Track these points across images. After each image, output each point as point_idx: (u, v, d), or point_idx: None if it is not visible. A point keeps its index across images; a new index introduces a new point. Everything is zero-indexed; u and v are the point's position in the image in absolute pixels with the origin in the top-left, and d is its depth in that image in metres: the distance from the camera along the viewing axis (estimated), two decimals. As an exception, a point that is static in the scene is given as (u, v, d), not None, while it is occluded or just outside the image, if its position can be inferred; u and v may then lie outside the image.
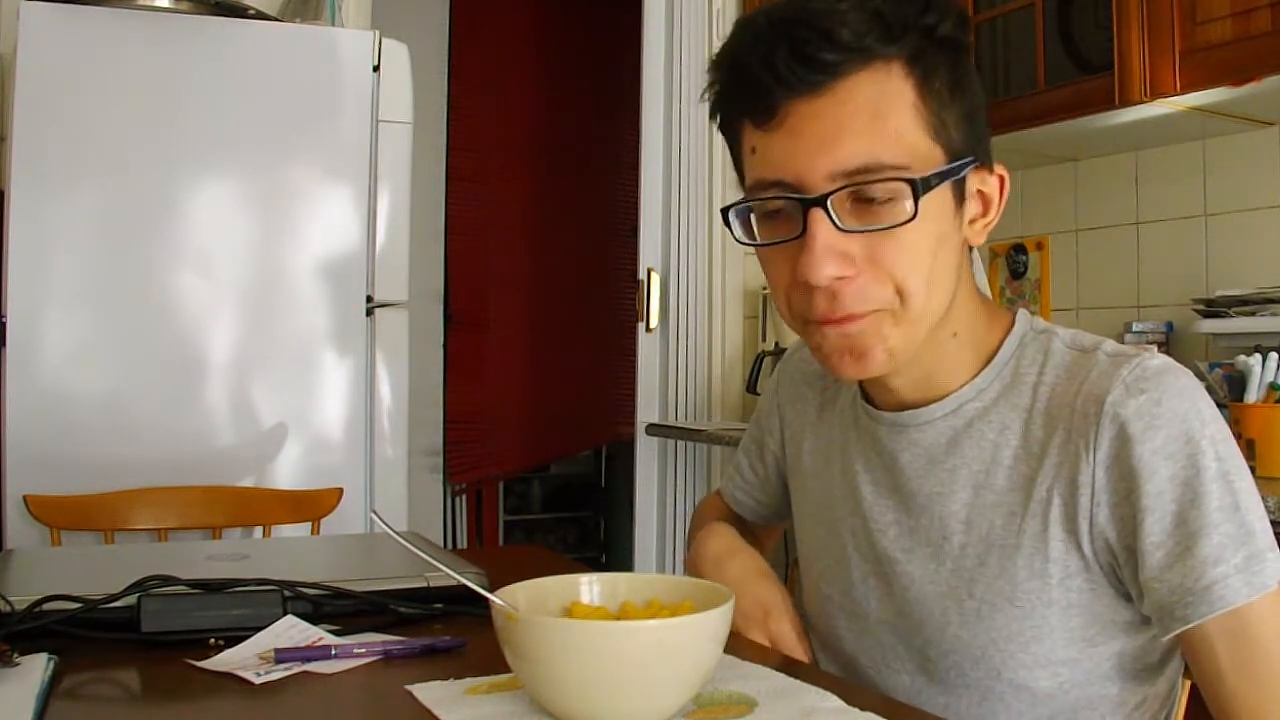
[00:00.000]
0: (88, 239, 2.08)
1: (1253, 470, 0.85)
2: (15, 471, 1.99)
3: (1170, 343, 2.25)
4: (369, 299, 2.24)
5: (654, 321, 3.15)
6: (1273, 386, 1.71)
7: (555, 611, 0.79)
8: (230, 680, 0.83)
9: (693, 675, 0.72)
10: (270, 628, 0.92)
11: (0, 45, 2.21)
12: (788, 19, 0.81)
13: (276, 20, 2.26)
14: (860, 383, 0.97)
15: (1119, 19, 1.97)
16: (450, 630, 0.94)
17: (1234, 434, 0.84)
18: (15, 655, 0.83)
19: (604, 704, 0.70)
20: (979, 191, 0.88)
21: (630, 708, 0.71)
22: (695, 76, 3.07)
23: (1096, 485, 0.83)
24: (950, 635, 0.89)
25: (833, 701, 0.76)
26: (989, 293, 2.58)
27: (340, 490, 2.03)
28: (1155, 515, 0.80)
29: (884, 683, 0.95)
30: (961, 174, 0.84)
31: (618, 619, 0.78)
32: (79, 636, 0.91)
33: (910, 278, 0.82)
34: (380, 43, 2.25)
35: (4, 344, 2.02)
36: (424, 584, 1.04)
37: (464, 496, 4.36)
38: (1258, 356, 1.74)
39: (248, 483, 2.12)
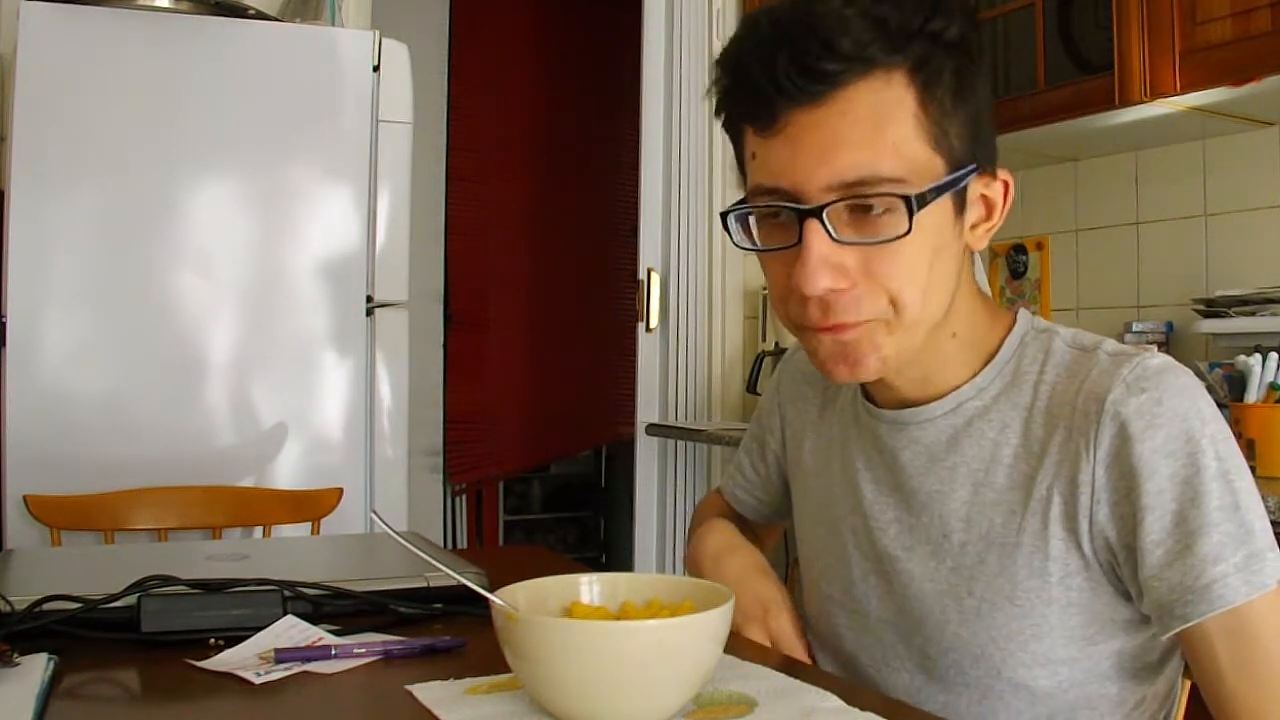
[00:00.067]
0: (88, 239, 2.08)
1: (1253, 470, 0.85)
2: (15, 471, 1.99)
3: (1170, 343, 2.25)
4: (369, 299, 2.24)
5: (654, 321, 3.15)
6: (1273, 386, 1.71)
7: (555, 611, 0.79)
8: (230, 680, 0.83)
9: (693, 675, 0.72)
10: (270, 628, 0.92)
11: (0, 45, 2.21)
12: (789, 24, 0.80)
13: (276, 20, 2.26)
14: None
15: (1119, 19, 1.97)
16: (450, 630, 0.94)
17: (1234, 434, 0.84)
18: (15, 655, 0.83)
19: (604, 704, 0.70)
20: (982, 196, 0.87)
21: (630, 708, 0.71)
22: (695, 76, 3.07)
23: (1096, 484, 0.83)
24: (950, 633, 0.89)
25: (833, 701, 0.76)
26: (989, 292, 2.58)
27: (340, 490, 2.03)
28: (1155, 514, 0.80)
29: (884, 681, 0.95)
30: (961, 184, 0.83)
31: (618, 619, 0.78)
32: (79, 636, 0.91)
33: (905, 290, 0.82)
34: (380, 43, 2.25)
35: (4, 344, 2.02)
36: (424, 584, 1.04)
37: (464, 496, 4.36)
38: (1258, 356, 1.74)
39: (248, 483, 2.12)
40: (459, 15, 4.21)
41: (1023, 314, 0.94)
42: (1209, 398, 0.83)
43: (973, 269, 0.92)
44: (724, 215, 0.87)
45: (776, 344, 2.90)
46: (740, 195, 0.88)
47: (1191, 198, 2.28)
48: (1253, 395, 1.72)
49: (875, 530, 0.95)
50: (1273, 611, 0.79)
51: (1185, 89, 1.90)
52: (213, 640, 0.91)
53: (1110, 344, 0.88)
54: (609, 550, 4.83)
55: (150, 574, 0.96)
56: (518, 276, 4.36)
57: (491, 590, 0.75)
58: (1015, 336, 0.92)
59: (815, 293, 0.81)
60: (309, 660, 0.86)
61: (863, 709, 0.74)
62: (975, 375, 0.91)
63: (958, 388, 0.91)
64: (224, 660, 0.86)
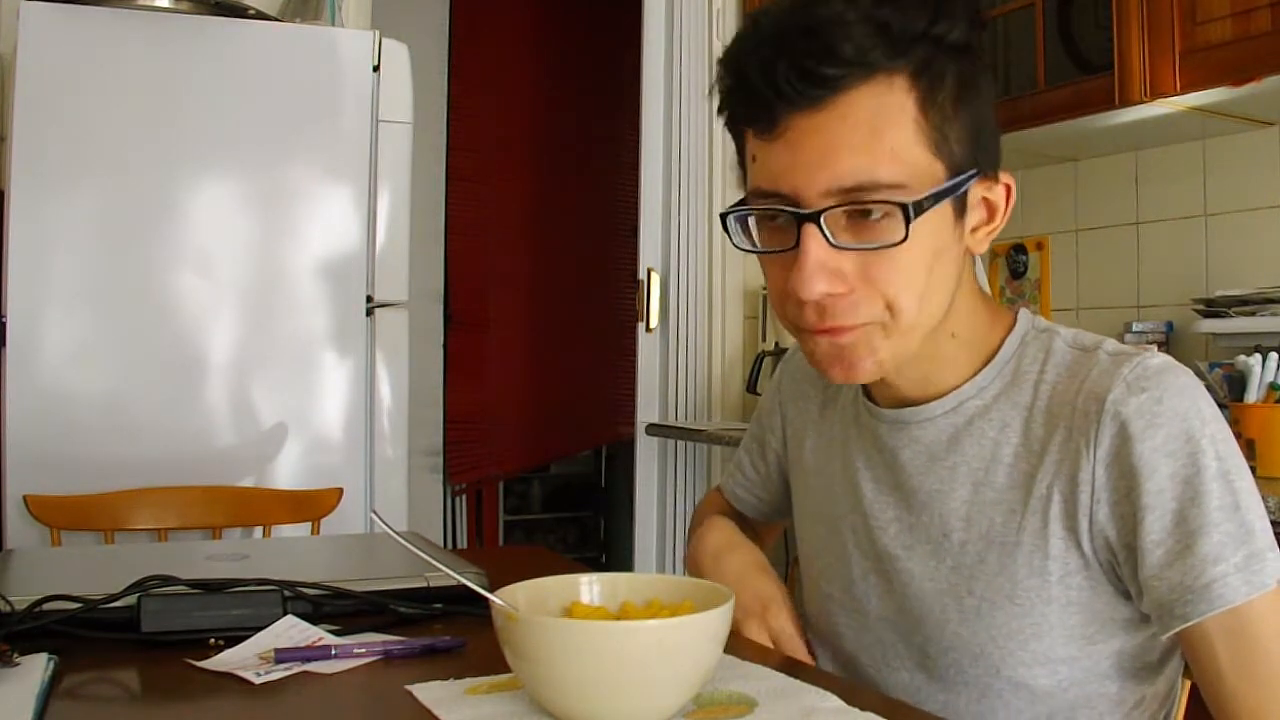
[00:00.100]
0: (88, 239, 2.08)
1: (1253, 470, 0.85)
2: (15, 471, 1.99)
3: (1170, 343, 2.25)
4: (369, 299, 2.24)
5: (654, 321, 3.15)
6: (1273, 386, 1.71)
7: (555, 611, 0.79)
8: (230, 680, 0.83)
9: (693, 675, 0.72)
10: (270, 628, 0.92)
11: (0, 45, 2.21)
12: (790, 26, 0.79)
13: (276, 20, 2.26)
14: (860, 381, 0.97)
15: (1119, 19, 1.97)
16: (450, 630, 0.94)
17: (1234, 434, 0.84)
18: (15, 655, 0.83)
19: (604, 704, 0.70)
20: (984, 199, 0.87)
21: (630, 708, 0.71)
22: (695, 76, 3.07)
23: (1097, 483, 0.83)
24: (950, 632, 0.89)
25: (833, 701, 0.76)
26: (989, 292, 2.58)
27: (340, 490, 2.03)
28: (1155, 513, 0.80)
29: (883, 680, 0.95)
30: (961, 190, 0.83)
31: (618, 619, 0.78)
32: (79, 636, 0.91)
33: (902, 295, 0.82)
34: (380, 43, 2.25)
35: (4, 344, 2.02)
36: (424, 584, 1.04)
37: (464, 496, 4.36)
38: (1258, 356, 1.74)
39: (248, 483, 2.12)
40: (459, 15, 4.21)
41: (1023, 314, 0.94)
42: (1209, 398, 0.83)
43: (974, 269, 0.92)
44: (723, 216, 0.87)
45: (776, 344, 2.90)
46: (740, 195, 0.88)
47: (1191, 198, 2.28)
48: (1253, 395, 1.72)
49: (875, 529, 0.95)
50: (1273, 611, 0.79)
51: (1185, 89, 1.90)
52: (213, 640, 0.91)
53: (1111, 344, 0.88)
54: (609, 550, 4.83)
55: (150, 574, 0.96)
56: (518, 276, 4.36)
57: (491, 590, 0.75)
58: (1016, 336, 0.92)
59: (811, 297, 0.81)
60: (309, 660, 0.86)
61: (863, 709, 0.74)
62: (976, 374, 0.91)
63: (958, 387, 0.91)
64: (224, 660, 0.86)
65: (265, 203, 2.18)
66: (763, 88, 0.80)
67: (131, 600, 0.93)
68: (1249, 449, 1.63)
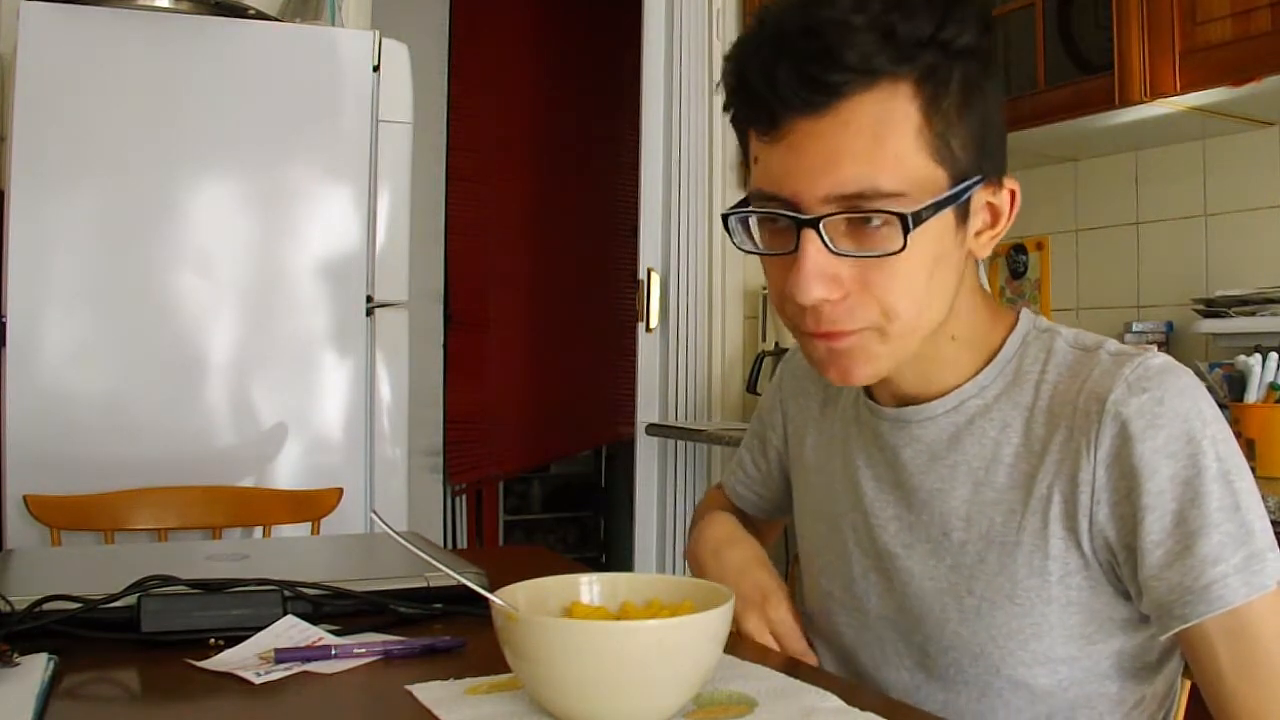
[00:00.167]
0: (88, 239, 2.08)
1: (1253, 470, 0.85)
2: (15, 471, 1.99)
3: (1170, 343, 2.25)
4: (369, 299, 2.24)
5: (654, 321, 3.15)
6: (1273, 386, 1.71)
7: (555, 611, 0.79)
8: (230, 680, 0.83)
9: (693, 675, 0.72)
10: (270, 628, 0.92)
11: (0, 45, 2.21)
12: (794, 29, 0.78)
13: (276, 20, 2.26)
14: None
15: (1119, 19, 1.97)
16: (450, 630, 0.94)
17: (1234, 434, 0.84)
18: (15, 655, 0.83)
19: (604, 704, 0.70)
20: (988, 204, 0.87)
21: (630, 708, 0.71)
22: (695, 76, 3.07)
23: (1097, 483, 0.83)
24: (950, 632, 0.89)
25: (833, 701, 0.76)
26: (990, 292, 2.58)
27: (340, 490, 2.03)
28: (1155, 514, 0.80)
29: (883, 679, 0.95)
30: (964, 197, 0.82)
31: (618, 619, 0.78)
32: (79, 636, 0.91)
33: (900, 302, 0.82)
34: (380, 43, 2.25)
35: (4, 344, 2.02)
36: (424, 584, 1.04)
37: (464, 496, 4.36)
38: (1258, 356, 1.74)
39: (248, 483, 2.12)
40: (459, 15, 4.21)
41: (1025, 314, 0.94)
42: (1210, 398, 0.83)
43: (975, 269, 0.92)
44: (725, 217, 0.87)
45: (776, 344, 2.90)
46: (741, 195, 0.88)
47: (1191, 198, 2.28)
48: (1253, 395, 1.72)
49: (875, 527, 0.95)
50: (1272, 612, 0.79)
51: (1185, 89, 1.90)
52: (213, 640, 0.91)
53: (1112, 344, 0.88)
54: (609, 550, 4.83)
55: (150, 574, 0.96)
56: (518, 276, 4.36)
57: (491, 590, 0.75)
58: (1017, 336, 0.92)
59: (808, 302, 0.81)
60: (309, 660, 0.86)
61: (863, 709, 0.74)
62: (977, 374, 0.91)
63: (959, 386, 0.91)
64: (224, 660, 0.86)
65: (265, 203, 2.18)
66: (764, 91, 0.79)
67: (131, 600, 0.93)
68: (1249, 449, 1.63)
